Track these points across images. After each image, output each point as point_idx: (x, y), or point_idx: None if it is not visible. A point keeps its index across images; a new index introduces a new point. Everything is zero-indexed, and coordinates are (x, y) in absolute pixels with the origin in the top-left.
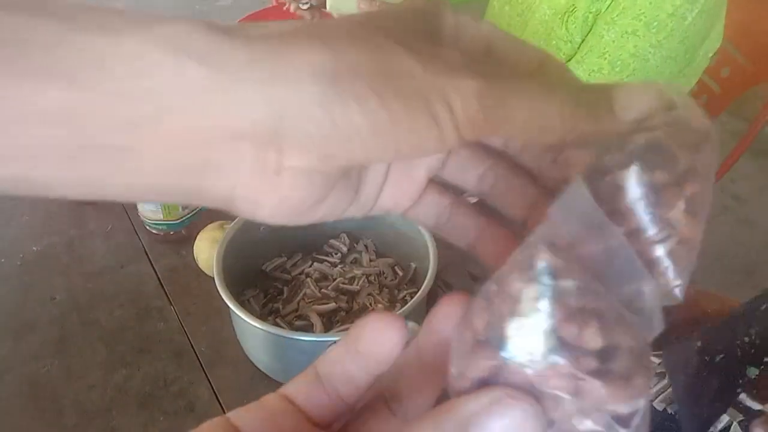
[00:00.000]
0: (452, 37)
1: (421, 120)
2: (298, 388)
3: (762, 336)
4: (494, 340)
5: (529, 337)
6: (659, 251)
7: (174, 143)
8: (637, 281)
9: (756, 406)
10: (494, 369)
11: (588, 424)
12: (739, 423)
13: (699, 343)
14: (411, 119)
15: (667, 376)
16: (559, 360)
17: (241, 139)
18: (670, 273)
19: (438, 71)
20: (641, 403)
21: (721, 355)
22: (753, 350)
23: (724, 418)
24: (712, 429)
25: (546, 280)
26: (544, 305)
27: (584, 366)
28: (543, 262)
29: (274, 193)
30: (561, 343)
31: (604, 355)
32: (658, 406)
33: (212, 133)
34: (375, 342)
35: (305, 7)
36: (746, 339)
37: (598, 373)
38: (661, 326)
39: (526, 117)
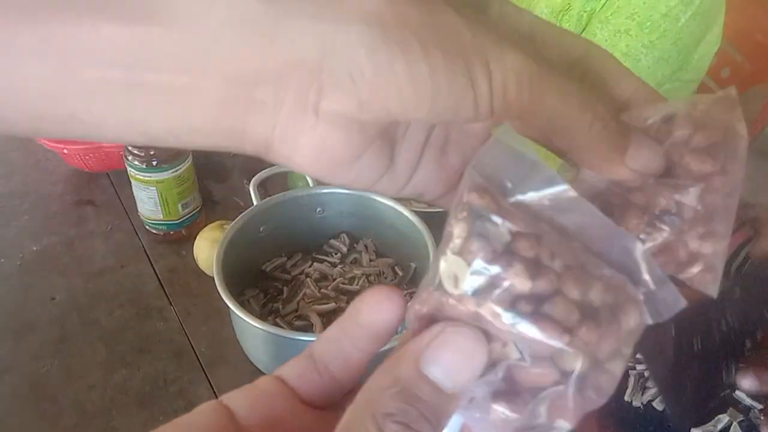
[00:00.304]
0: (497, 21)
1: (459, 80)
2: (291, 370)
3: (740, 322)
4: (433, 278)
5: (457, 273)
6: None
7: (223, 80)
8: (598, 229)
9: (757, 405)
10: (437, 306)
11: (527, 364)
12: (739, 423)
13: (673, 331)
14: (449, 77)
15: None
16: (486, 297)
17: (286, 75)
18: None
19: (484, 37)
20: (580, 359)
21: (699, 343)
22: (734, 337)
23: (724, 418)
24: (711, 429)
25: (472, 217)
26: (471, 243)
27: (518, 307)
28: (468, 203)
29: (311, 136)
30: (488, 281)
31: (538, 298)
32: (658, 405)
33: (260, 67)
34: (376, 312)
35: None
36: (723, 327)
37: (530, 315)
38: (677, 302)
39: (554, 111)
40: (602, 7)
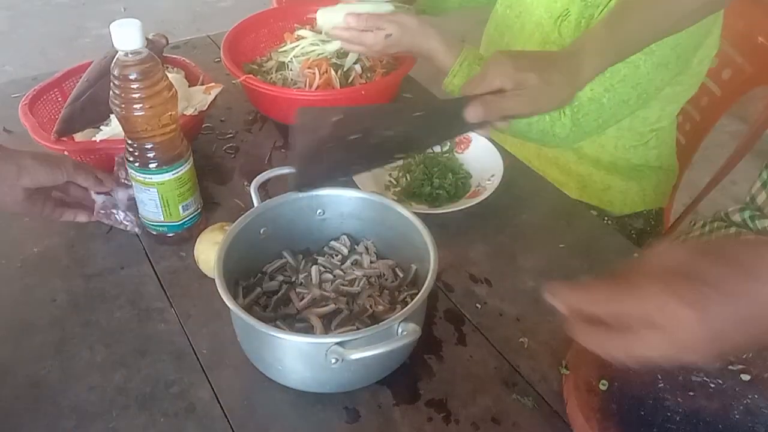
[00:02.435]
0: None
1: None
2: None
3: (402, 133)
4: None
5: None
6: None
7: None
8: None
9: None
10: None
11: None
12: None
13: (337, 118)
14: None
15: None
16: None
17: None
18: None
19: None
20: None
21: (357, 136)
22: (390, 145)
23: None
24: None
25: None
26: None
27: None
28: None
29: None
30: None
31: None
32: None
33: None
34: None
35: None
36: (388, 133)
37: None
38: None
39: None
40: (600, 13)
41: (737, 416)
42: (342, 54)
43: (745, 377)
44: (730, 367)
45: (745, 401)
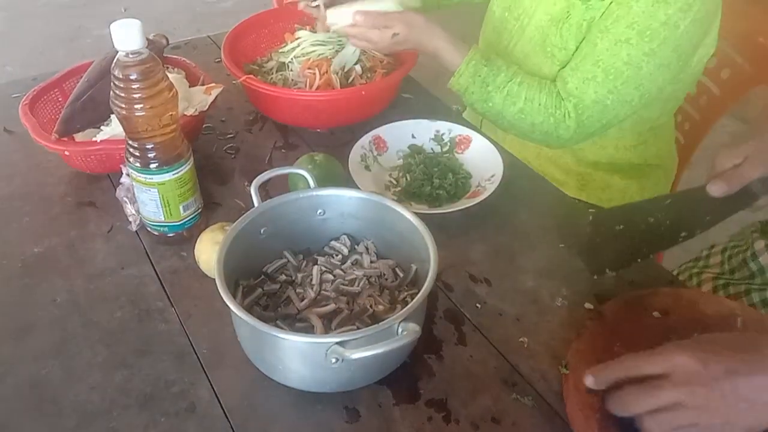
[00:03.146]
0: None
1: None
2: None
3: (670, 219)
4: None
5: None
6: None
7: None
8: None
9: None
10: None
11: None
12: None
13: (590, 218)
14: None
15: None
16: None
17: None
18: None
19: None
20: None
21: (620, 226)
22: (663, 228)
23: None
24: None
25: None
26: None
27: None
28: None
29: None
30: None
31: None
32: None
33: None
34: None
35: (314, 4)
36: (650, 219)
37: None
38: None
39: None
40: (601, 16)
41: None
42: (339, 43)
43: None
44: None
45: None
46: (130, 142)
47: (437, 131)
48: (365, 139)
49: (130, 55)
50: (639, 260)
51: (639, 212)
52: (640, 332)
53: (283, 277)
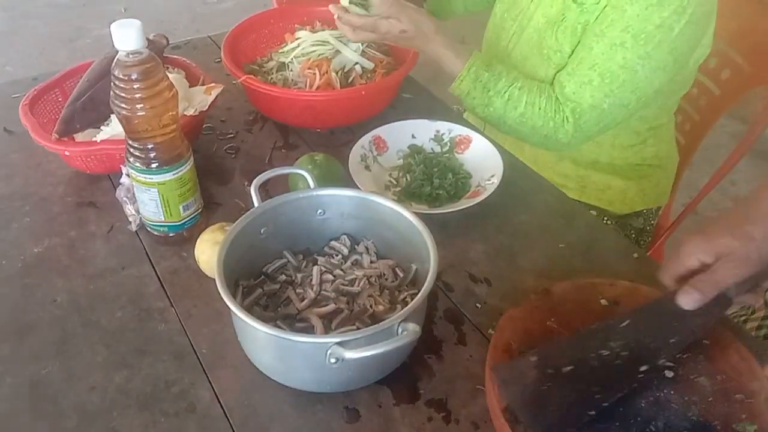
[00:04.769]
0: None
1: None
2: None
3: (628, 348)
4: None
5: None
6: None
7: None
8: None
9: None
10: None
11: None
12: None
13: (535, 358)
14: None
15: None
16: None
17: None
18: None
19: None
20: None
21: (570, 367)
22: (619, 361)
23: None
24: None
25: None
26: None
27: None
28: None
29: None
30: None
31: None
32: None
33: None
34: None
35: None
36: (604, 352)
37: None
38: None
39: None
40: (596, 19)
41: (643, 404)
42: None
43: (669, 374)
44: (660, 362)
45: (657, 394)
46: (131, 142)
47: (437, 131)
48: (365, 139)
49: (131, 55)
50: (592, 413)
51: (590, 343)
52: (579, 315)
53: (283, 277)
